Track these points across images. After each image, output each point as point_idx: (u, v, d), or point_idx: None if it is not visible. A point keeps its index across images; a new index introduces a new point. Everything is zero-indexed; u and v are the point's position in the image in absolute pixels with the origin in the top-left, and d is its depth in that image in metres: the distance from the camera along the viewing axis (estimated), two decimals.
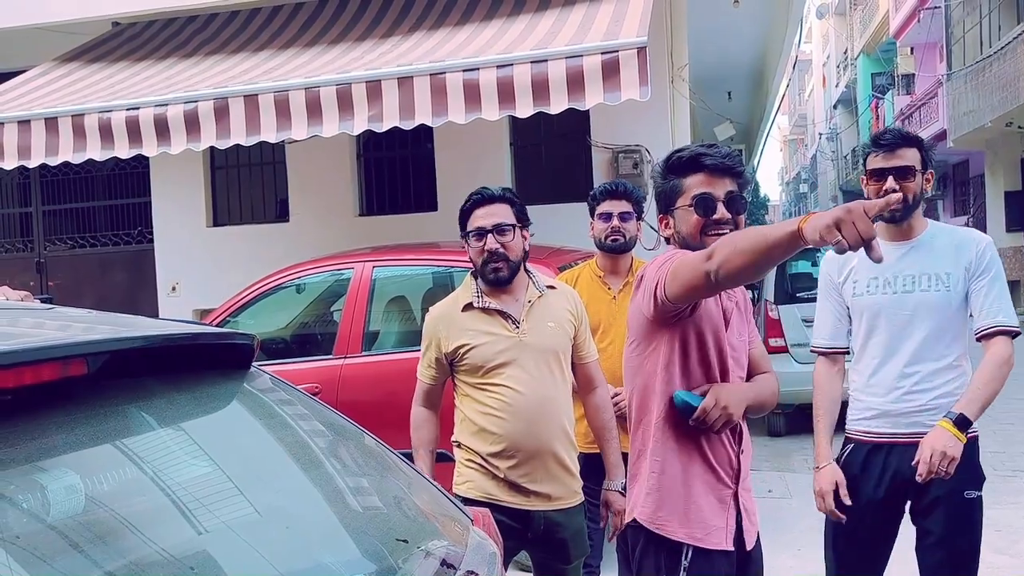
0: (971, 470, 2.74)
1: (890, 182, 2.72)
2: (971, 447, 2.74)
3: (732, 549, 2.22)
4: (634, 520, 2.27)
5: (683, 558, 2.17)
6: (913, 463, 2.62)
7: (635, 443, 2.31)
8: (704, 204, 2.17)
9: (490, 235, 2.73)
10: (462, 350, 2.75)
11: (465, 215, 2.81)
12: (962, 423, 2.60)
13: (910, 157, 2.74)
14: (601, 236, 3.50)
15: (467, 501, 2.67)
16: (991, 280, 2.71)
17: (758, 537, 2.34)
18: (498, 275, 2.75)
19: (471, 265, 4.40)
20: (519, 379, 2.72)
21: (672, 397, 2.19)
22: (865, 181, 2.84)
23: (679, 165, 2.22)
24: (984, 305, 2.70)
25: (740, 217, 2.20)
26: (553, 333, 2.84)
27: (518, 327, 2.77)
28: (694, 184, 2.19)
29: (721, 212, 2.17)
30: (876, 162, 2.78)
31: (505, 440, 2.71)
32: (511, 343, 2.74)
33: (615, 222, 3.46)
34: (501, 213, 2.77)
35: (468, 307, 2.78)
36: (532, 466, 2.73)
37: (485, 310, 2.77)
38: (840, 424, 2.94)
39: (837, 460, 2.89)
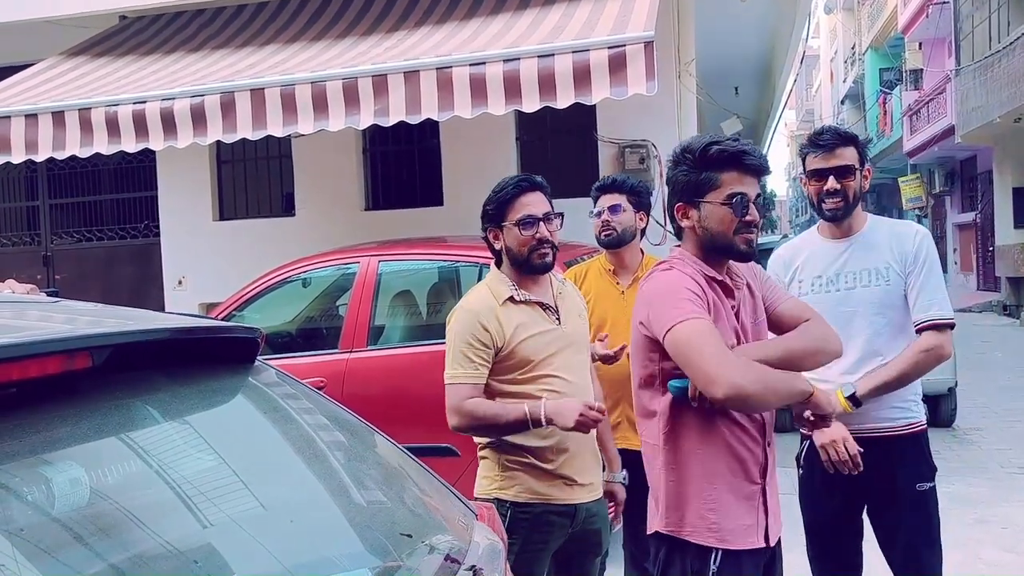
0: (921, 462, 2.80)
1: (831, 182, 2.78)
2: (921, 440, 2.81)
3: (765, 545, 2.19)
4: (656, 531, 2.23)
5: (711, 563, 2.13)
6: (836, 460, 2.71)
7: (646, 451, 2.27)
8: (743, 204, 2.14)
9: (541, 223, 2.69)
10: (513, 344, 2.65)
11: (506, 203, 2.72)
12: (852, 397, 2.71)
13: (849, 156, 2.78)
14: (596, 232, 3.50)
15: (516, 505, 2.65)
16: (926, 273, 2.74)
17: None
18: (545, 260, 2.71)
19: (476, 260, 4.36)
20: (567, 370, 2.70)
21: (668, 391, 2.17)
22: (805, 182, 2.89)
23: (718, 159, 2.16)
24: (918, 300, 2.74)
25: (761, 220, 2.22)
26: (582, 325, 2.86)
27: (559, 319, 2.75)
28: (730, 181, 2.15)
29: (754, 214, 2.15)
30: (815, 162, 2.82)
31: (559, 432, 2.66)
32: (556, 335, 2.70)
33: (605, 215, 3.45)
34: (543, 202, 2.74)
35: (509, 300, 2.70)
36: (580, 457, 2.73)
37: (526, 303, 2.71)
38: None
39: (797, 456, 2.97)
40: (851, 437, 2.71)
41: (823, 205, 2.82)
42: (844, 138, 2.82)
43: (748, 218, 2.15)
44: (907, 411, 2.81)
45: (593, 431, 2.81)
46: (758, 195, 2.18)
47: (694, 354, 2.03)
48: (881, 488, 2.79)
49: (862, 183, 2.82)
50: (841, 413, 2.66)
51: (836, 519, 2.88)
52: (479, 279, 4.77)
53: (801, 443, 2.97)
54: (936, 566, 2.78)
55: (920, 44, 24.97)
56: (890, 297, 2.77)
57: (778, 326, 2.32)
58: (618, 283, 3.49)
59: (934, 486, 2.81)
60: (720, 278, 2.22)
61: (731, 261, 2.27)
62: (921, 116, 23.54)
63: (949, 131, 20.23)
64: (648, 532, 2.28)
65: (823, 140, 2.83)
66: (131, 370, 1.52)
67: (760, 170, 2.18)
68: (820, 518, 2.91)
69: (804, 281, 2.90)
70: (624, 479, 3.00)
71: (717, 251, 2.20)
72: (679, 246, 2.29)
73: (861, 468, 2.68)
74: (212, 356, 1.73)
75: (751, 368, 2.05)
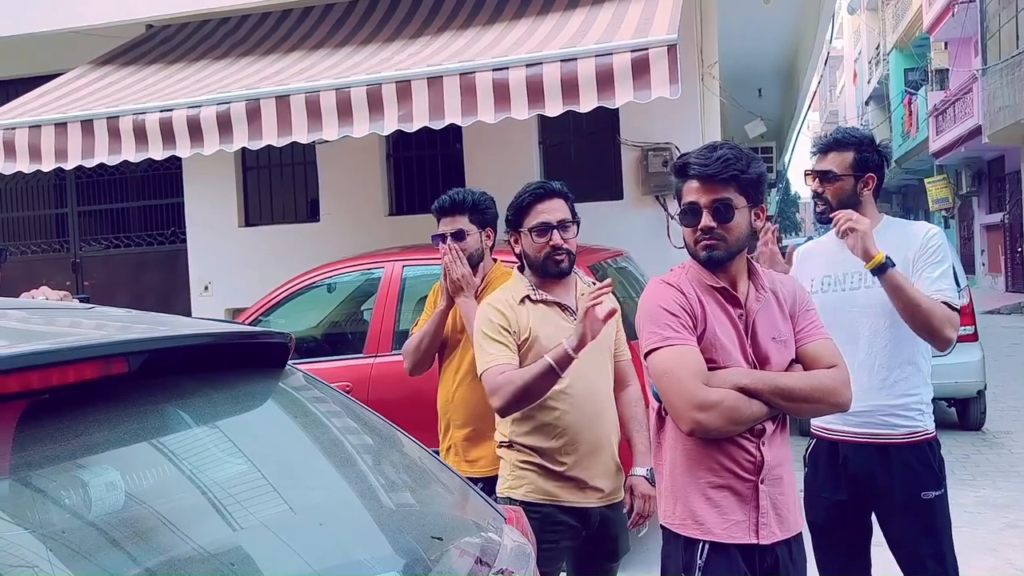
0: (927, 471, 2.76)
1: (815, 184, 2.85)
2: (926, 449, 2.77)
3: (757, 542, 2.17)
4: (660, 524, 2.27)
5: (698, 556, 2.15)
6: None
7: (653, 446, 2.32)
8: (686, 214, 2.18)
9: (555, 231, 2.71)
10: (528, 339, 2.68)
11: (523, 210, 2.76)
12: (885, 263, 2.64)
13: (835, 161, 2.82)
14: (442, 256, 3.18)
15: (526, 505, 2.63)
16: (932, 266, 2.72)
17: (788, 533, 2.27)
18: (560, 267, 2.73)
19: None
20: (580, 371, 2.68)
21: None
22: None
23: (679, 170, 2.22)
24: (924, 286, 2.70)
25: (728, 225, 2.14)
26: (604, 328, 2.84)
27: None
28: (687, 192, 2.19)
29: (705, 221, 2.14)
30: (812, 162, 2.91)
31: (568, 433, 2.67)
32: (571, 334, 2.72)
33: (449, 243, 3.17)
34: (561, 209, 2.75)
35: (525, 300, 2.73)
36: (593, 459, 2.72)
37: (544, 302, 2.73)
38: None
39: (804, 456, 2.97)
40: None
41: (815, 207, 2.90)
42: (840, 143, 2.84)
43: (700, 225, 2.15)
44: (911, 420, 2.77)
45: (612, 431, 2.81)
46: (716, 200, 2.14)
47: (663, 385, 2.11)
48: (884, 494, 2.78)
49: (858, 189, 2.81)
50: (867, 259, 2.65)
51: (841, 517, 2.86)
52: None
53: (808, 441, 2.97)
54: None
55: (946, 44, 24.75)
56: None
57: (800, 362, 2.27)
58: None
59: (941, 495, 2.77)
60: (720, 286, 2.20)
61: (763, 272, 2.29)
62: (947, 116, 23.32)
63: (976, 131, 20.02)
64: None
65: (819, 141, 2.91)
66: (165, 375, 1.54)
67: (706, 177, 2.15)
68: (822, 515, 2.89)
69: (815, 280, 2.92)
70: (647, 473, 2.90)
71: (695, 259, 2.22)
72: None
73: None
74: (244, 361, 1.75)
75: (715, 403, 2.07)
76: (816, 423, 2.91)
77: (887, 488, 2.76)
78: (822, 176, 2.83)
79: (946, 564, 2.75)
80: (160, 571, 1.27)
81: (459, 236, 3.19)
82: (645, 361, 2.15)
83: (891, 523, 2.80)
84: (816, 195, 2.86)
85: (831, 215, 2.81)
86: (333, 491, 1.70)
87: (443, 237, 3.21)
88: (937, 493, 2.75)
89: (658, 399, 2.19)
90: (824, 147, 2.87)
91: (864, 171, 2.81)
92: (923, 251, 2.74)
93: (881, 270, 2.65)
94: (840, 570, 2.90)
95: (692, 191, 2.17)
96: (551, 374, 2.53)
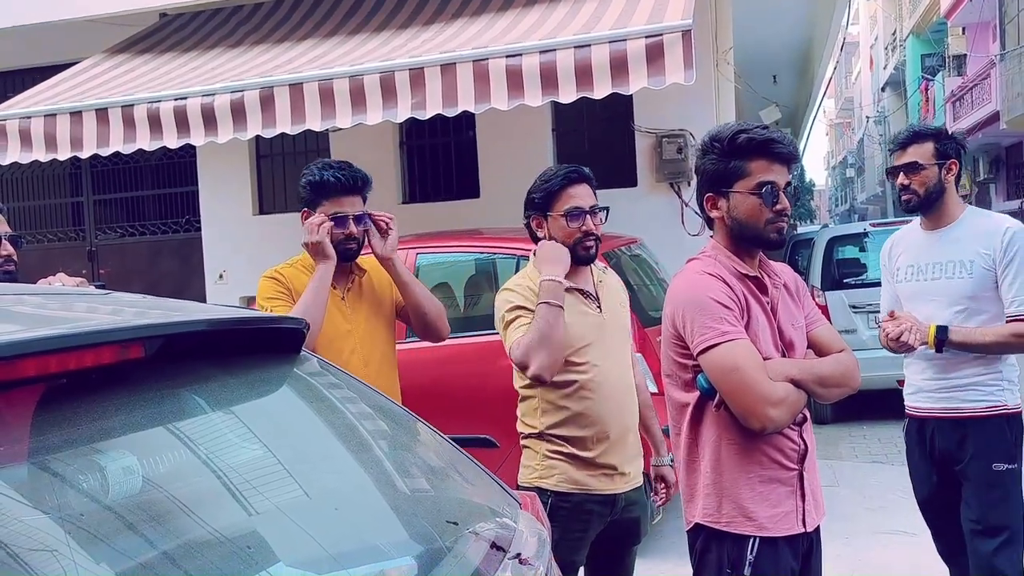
0: (1000, 443, 2.90)
1: (901, 178, 3.02)
2: (1003, 423, 2.91)
3: (804, 530, 2.17)
4: (694, 523, 2.23)
5: (748, 552, 2.12)
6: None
7: (680, 444, 2.25)
8: (773, 193, 2.11)
9: (587, 216, 2.70)
10: None
11: (554, 194, 2.71)
12: (941, 334, 2.87)
13: (918, 152, 2.99)
14: (332, 242, 2.89)
15: (557, 495, 2.66)
16: (1016, 268, 2.84)
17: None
18: (590, 252, 2.73)
19: (514, 252, 4.33)
20: (606, 358, 2.70)
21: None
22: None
23: (746, 147, 2.13)
24: (1010, 294, 2.85)
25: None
26: (623, 313, 2.87)
27: (599, 306, 2.75)
28: (759, 170, 2.12)
29: (784, 202, 2.13)
30: (892, 160, 3.09)
31: (599, 421, 2.67)
32: (596, 322, 2.70)
33: (352, 229, 2.91)
34: (589, 194, 2.74)
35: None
36: (621, 445, 2.73)
37: (567, 290, 2.70)
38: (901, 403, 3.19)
39: (903, 433, 3.17)
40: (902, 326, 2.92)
41: (901, 199, 3.04)
42: (918, 135, 3.01)
43: (778, 207, 2.12)
44: (989, 395, 2.92)
45: (636, 416, 2.81)
46: (788, 183, 2.15)
47: (730, 384, 2.07)
48: (962, 465, 2.93)
49: (942, 177, 2.96)
50: (921, 338, 2.89)
51: (939, 492, 3.05)
52: (516, 271, 4.79)
53: (904, 421, 3.15)
54: (1004, 548, 2.85)
55: (963, 29, 24.48)
56: (972, 290, 2.89)
57: (810, 347, 2.29)
58: (335, 287, 2.99)
59: (1013, 468, 2.89)
60: (752, 274, 2.19)
61: (770, 261, 2.28)
62: (964, 102, 23.09)
63: (994, 117, 19.83)
64: (686, 525, 2.27)
65: (897, 139, 3.08)
66: (181, 360, 1.55)
67: (789, 158, 2.15)
68: (924, 491, 3.10)
69: (900, 269, 3.09)
70: (671, 461, 2.93)
71: (747, 241, 2.18)
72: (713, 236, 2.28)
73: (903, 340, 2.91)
74: (260, 346, 1.75)
75: (783, 398, 2.07)
76: (906, 402, 3.11)
77: (963, 459, 2.92)
78: (907, 168, 2.98)
79: (1010, 532, 2.86)
80: (177, 554, 1.27)
81: (362, 219, 2.98)
82: (700, 355, 2.10)
83: (965, 490, 2.94)
84: (903, 188, 3.01)
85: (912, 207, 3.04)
86: (348, 476, 1.71)
87: (344, 220, 2.94)
88: (1010, 467, 2.89)
89: (708, 394, 2.13)
90: (903, 142, 3.04)
91: (946, 158, 2.97)
92: (1004, 255, 2.86)
93: (941, 343, 2.86)
94: (951, 537, 3.05)
95: (765, 170, 2.12)
96: (552, 309, 2.55)
